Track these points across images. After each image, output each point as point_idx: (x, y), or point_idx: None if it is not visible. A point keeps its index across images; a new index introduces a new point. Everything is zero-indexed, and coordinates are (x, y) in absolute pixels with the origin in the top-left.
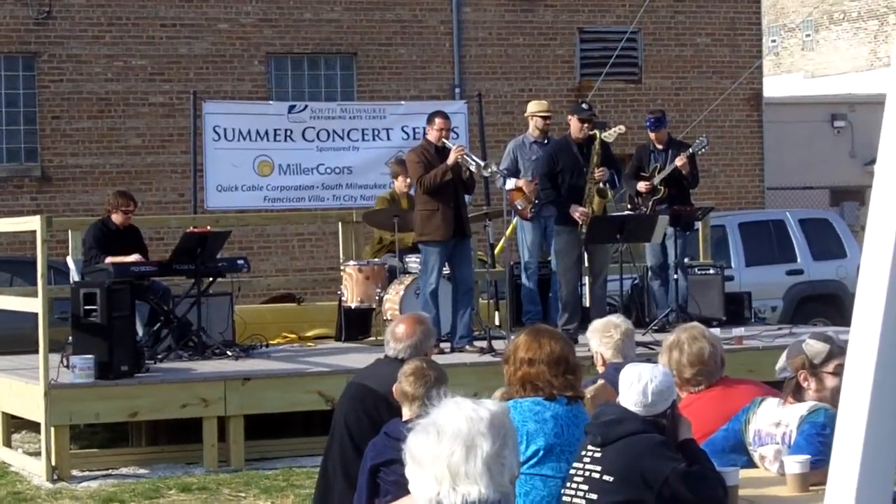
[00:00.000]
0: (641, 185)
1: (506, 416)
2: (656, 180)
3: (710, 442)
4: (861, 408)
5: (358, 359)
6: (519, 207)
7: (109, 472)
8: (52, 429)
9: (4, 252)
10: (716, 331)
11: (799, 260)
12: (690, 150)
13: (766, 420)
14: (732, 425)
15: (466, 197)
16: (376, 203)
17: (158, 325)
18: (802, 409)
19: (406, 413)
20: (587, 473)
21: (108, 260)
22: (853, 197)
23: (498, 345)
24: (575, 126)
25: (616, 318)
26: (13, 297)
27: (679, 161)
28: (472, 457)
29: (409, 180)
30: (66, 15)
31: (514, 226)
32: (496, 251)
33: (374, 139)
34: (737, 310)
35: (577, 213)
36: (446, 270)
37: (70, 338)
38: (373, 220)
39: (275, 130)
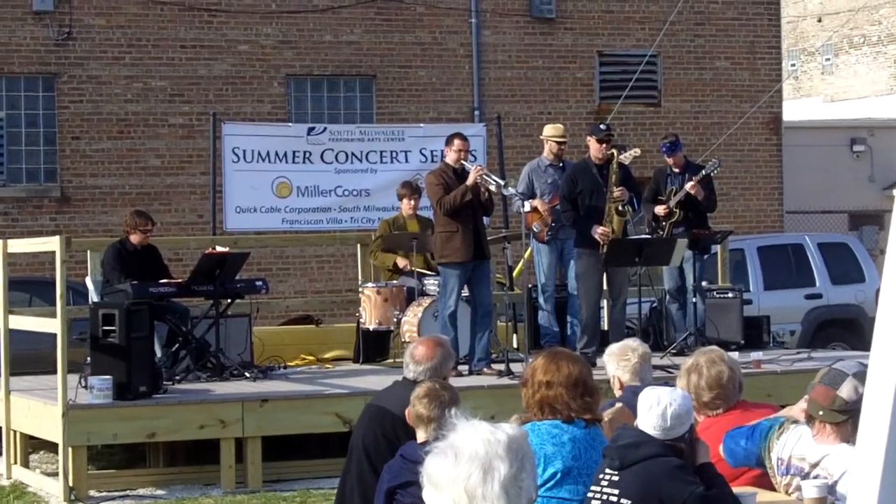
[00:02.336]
0: (658, 209)
1: (524, 439)
2: (672, 203)
3: (731, 454)
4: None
5: (376, 381)
6: (535, 230)
7: (127, 493)
8: (70, 449)
9: (23, 273)
10: (734, 354)
11: (818, 284)
12: (703, 172)
13: (796, 451)
14: (751, 447)
15: (484, 219)
16: (379, 228)
17: (177, 346)
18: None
19: (421, 435)
20: (605, 497)
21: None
22: (872, 221)
23: (516, 367)
24: (594, 147)
25: (633, 342)
26: (32, 318)
27: (690, 186)
28: (489, 479)
29: (412, 202)
30: (87, 36)
31: (531, 248)
32: (514, 274)
33: (392, 161)
34: (755, 334)
35: (598, 232)
36: (465, 293)
37: (88, 358)
38: (390, 244)
39: (293, 152)
